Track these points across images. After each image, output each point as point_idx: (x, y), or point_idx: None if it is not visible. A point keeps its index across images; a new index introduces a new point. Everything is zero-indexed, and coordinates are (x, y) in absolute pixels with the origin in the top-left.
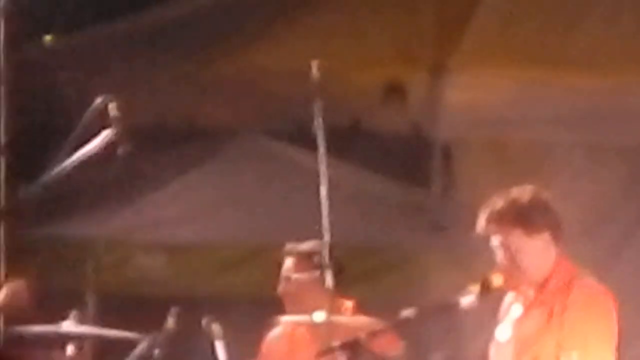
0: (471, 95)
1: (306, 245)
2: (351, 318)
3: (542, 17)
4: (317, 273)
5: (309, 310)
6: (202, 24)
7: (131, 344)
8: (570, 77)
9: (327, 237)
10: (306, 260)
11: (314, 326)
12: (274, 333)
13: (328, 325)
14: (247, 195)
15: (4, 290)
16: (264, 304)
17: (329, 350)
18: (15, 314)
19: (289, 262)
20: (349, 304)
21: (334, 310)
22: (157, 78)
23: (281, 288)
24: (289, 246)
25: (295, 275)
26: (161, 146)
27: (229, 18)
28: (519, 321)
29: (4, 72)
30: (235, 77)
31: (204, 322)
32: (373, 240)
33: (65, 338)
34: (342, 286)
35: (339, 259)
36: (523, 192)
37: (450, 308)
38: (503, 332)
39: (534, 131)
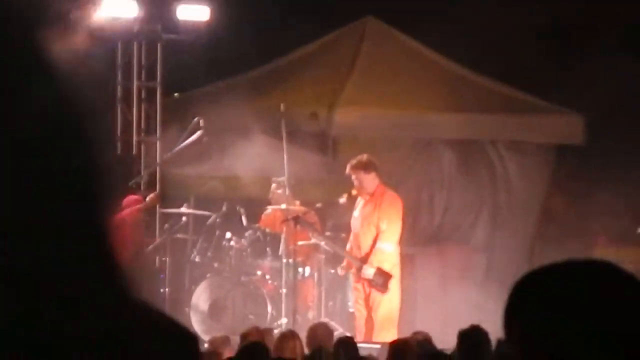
0: (350, 118)
1: (281, 179)
2: (296, 207)
3: (390, 78)
4: (284, 189)
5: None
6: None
7: (207, 218)
8: (404, 111)
9: (286, 175)
10: (282, 185)
11: (281, 210)
12: (267, 212)
13: (287, 210)
14: (253, 158)
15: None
16: (263, 202)
17: (286, 220)
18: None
19: (274, 186)
20: (297, 202)
21: (292, 205)
22: (226, 108)
23: (273, 195)
24: (274, 179)
25: (277, 191)
26: (217, 136)
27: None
28: (362, 209)
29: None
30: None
31: (237, 208)
32: (305, 179)
33: (182, 214)
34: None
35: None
36: (360, 158)
37: (336, 204)
38: (356, 213)
39: (381, 133)
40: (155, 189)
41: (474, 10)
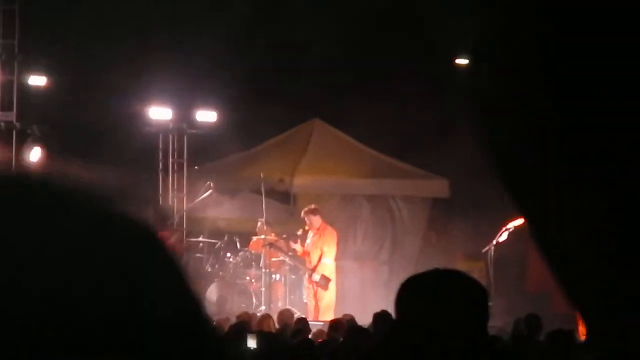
0: (304, 181)
1: (262, 219)
2: (271, 237)
3: (330, 156)
4: (263, 225)
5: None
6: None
7: (215, 244)
8: (339, 177)
9: (264, 216)
10: (263, 223)
11: (262, 239)
12: (253, 240)
13: (265, 239)
14: (244, 206)
15: None
16: (251, 234)
17: (265, 245)
18: None
19: (259, 224)
20: (272, 234)
21: (269, 235)
22: (227, 176)
23: (258, 229)
24: (259, 220)
25: (260, 226)
26: (221, 193)
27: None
28: (312, 238)
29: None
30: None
31: (234, 237)
32: (276, 220)
33: (200, 242)
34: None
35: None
36: (310, 207)
37: (296, 235)
38: (308, 240)
39: (324, 191)
40: (182, 227)
41: (384, 113)
